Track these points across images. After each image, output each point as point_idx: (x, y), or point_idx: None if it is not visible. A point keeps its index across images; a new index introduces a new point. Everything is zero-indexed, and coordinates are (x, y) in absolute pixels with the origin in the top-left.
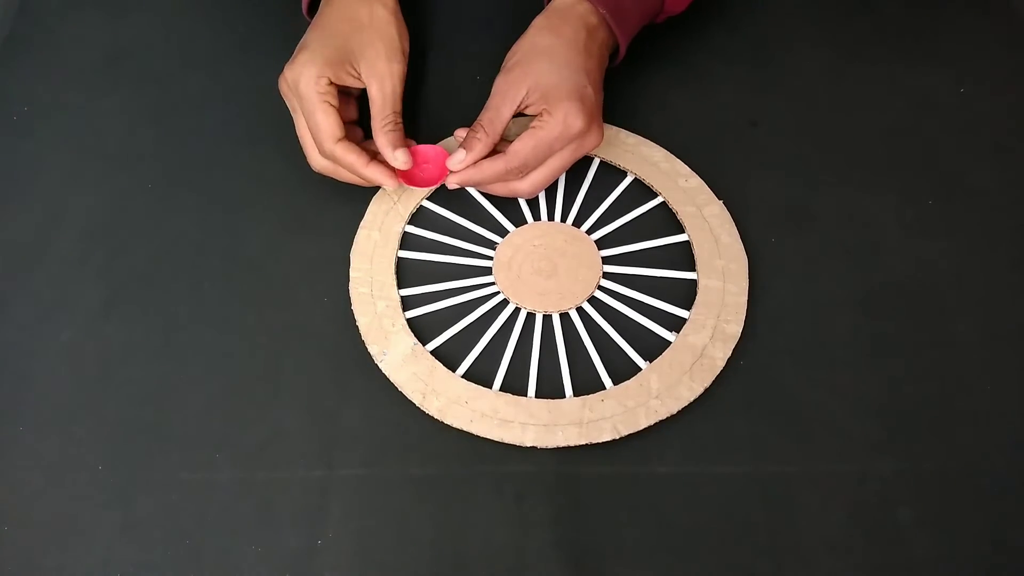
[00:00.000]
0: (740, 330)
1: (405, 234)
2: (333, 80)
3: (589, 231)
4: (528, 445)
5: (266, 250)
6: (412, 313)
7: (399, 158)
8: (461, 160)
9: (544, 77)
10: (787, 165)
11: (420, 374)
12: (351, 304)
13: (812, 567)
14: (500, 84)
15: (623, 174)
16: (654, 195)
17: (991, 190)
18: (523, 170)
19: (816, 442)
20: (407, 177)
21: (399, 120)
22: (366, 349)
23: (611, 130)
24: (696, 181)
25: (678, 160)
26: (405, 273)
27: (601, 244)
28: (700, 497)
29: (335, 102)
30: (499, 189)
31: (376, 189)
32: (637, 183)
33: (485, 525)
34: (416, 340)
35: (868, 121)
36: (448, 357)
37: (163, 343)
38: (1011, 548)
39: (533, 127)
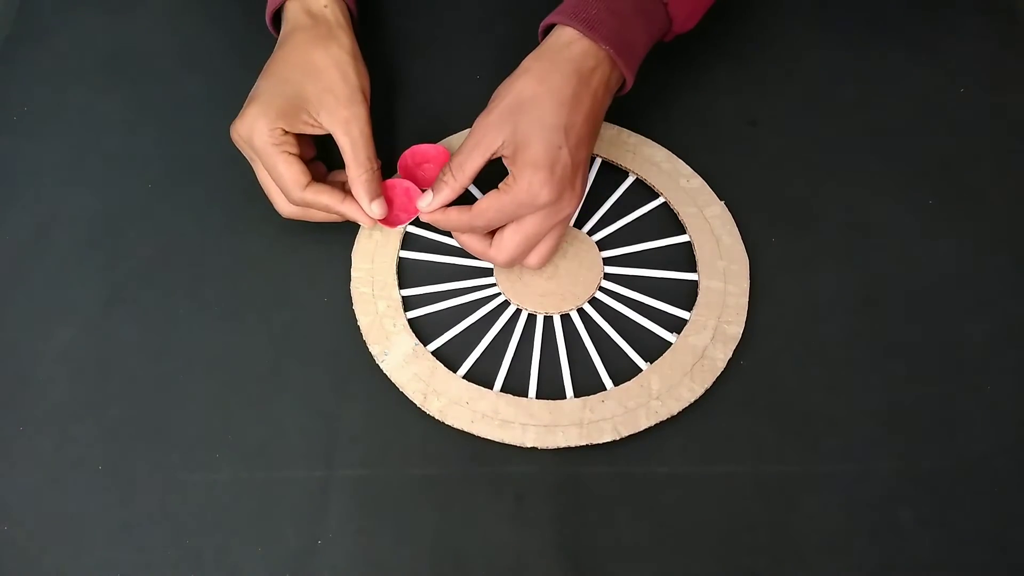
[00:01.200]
0: (741, 331)
1: (406, 234)
2: (288, 129)
3: (590, 232)
4: (529, 446)
5: (266, 250)
6: (413, 313)
7: (375, 210)
8: (428, 203)
9: (520, 132)
10: (787, 165)
11: (421, 374)
12: (352, 304)
13: (812, 567)
14: (478, 127)
15: (624, 174)
16: (655, 195)
17: (991, 190)
18: (489, 228)
19: (816, 442)
20: (403, 204)
21: (374, 165)
22: (367, 349)
23: (612, 130)
24: (698, 181)
25: (679, 160)
26: (406, 273)
27: (602, 245)
28: (700, 497)
29: (295, 149)
30: (474, 249)
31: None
32: (639, 183)
33: (485, 525)
34: (417, 340)
35: (868, 121)
36: (449, 358)
37: (163, 343)
38: (1011, 548)
39: (499, 188)
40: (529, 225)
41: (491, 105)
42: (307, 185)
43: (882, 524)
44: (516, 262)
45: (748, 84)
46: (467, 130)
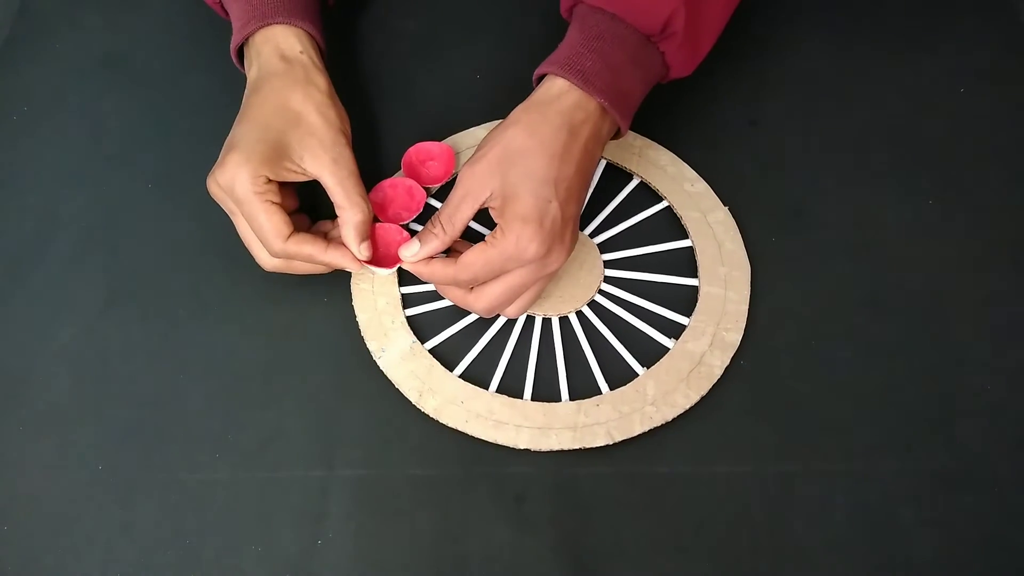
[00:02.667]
0: (739, 339)
1: (410, 231)
2: (272, 178)
3: (592, 234)
4: (522, 447)
5: None
6: (412, 311)
7: (363, 252)
8: (414, 252)
9: (508, 184)
10: (787, 165)
11: (418, 372)
12: (351, 300)
13: (812, 567)
14: (466, 177)
15: (629, 177)
16: (659, 199)
17: (991, 190)
18: (474, 283)
19: (816, 442)
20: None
21: (367, 206)
22: (366, 349)
23: None
24: (702, 186)
25: (684, 164)
26: (406, 270)
27: (604, 248)
28: (700, 497)
29: (277, 198)
30: (454, 297)
31: (376, 183)
32: (643, 186)
33: (484, 525)
34: (415, 338)
35: (868, 121)
36: (446, 356)
37: (163, 343)
38: (1011, 548)
39: (487, 242)
40: (514, 277)
41: (478, 154)
42: (289, 236)
43: (882, 524)
44: (496, 312)
45: (748, 84)
46: (468, 130)
